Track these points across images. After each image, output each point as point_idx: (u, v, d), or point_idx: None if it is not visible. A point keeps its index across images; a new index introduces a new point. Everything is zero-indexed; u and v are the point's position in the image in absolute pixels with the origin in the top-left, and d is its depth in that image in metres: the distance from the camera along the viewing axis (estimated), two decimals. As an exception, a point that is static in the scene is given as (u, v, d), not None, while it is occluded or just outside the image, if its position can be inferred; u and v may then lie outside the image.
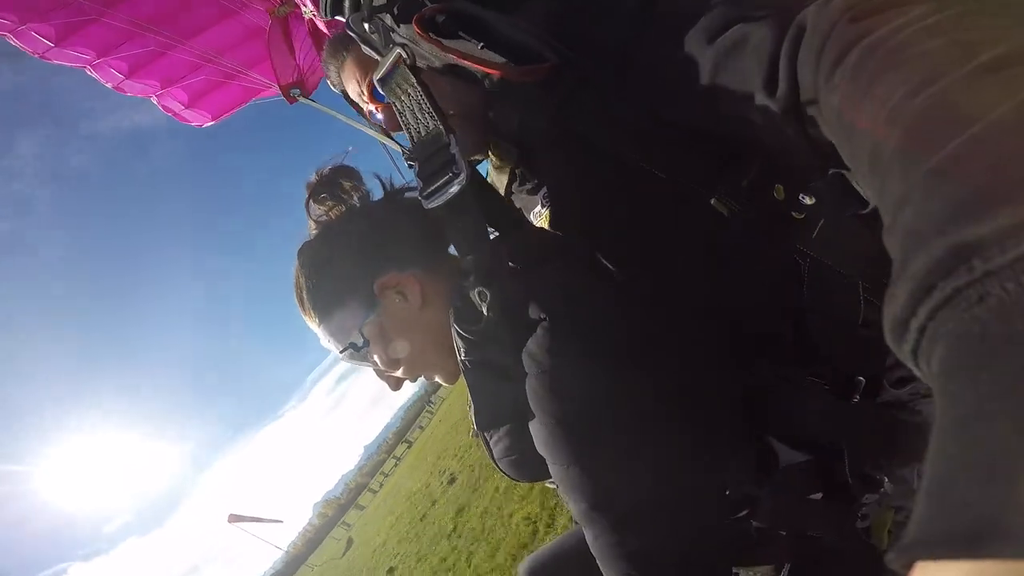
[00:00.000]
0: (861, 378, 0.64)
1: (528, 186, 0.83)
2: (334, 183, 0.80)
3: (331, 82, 1.11)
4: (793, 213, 0.61)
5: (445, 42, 0.68)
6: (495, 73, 0.66)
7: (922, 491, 0.20)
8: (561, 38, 0.65)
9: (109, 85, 2.64)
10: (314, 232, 0.81)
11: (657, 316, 0.64)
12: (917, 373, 0.25)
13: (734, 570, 0.67)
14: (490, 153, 0.87)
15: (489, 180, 0.89)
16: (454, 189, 0.64)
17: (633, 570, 0.58)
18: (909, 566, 0.19)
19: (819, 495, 0.66)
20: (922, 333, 0.23)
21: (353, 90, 1.05)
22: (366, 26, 0.77)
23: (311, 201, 0.80)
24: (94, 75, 2.58)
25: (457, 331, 0.67)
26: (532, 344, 0.60)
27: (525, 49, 0.65)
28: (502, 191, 0.86)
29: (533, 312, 0.61)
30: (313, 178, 0.81)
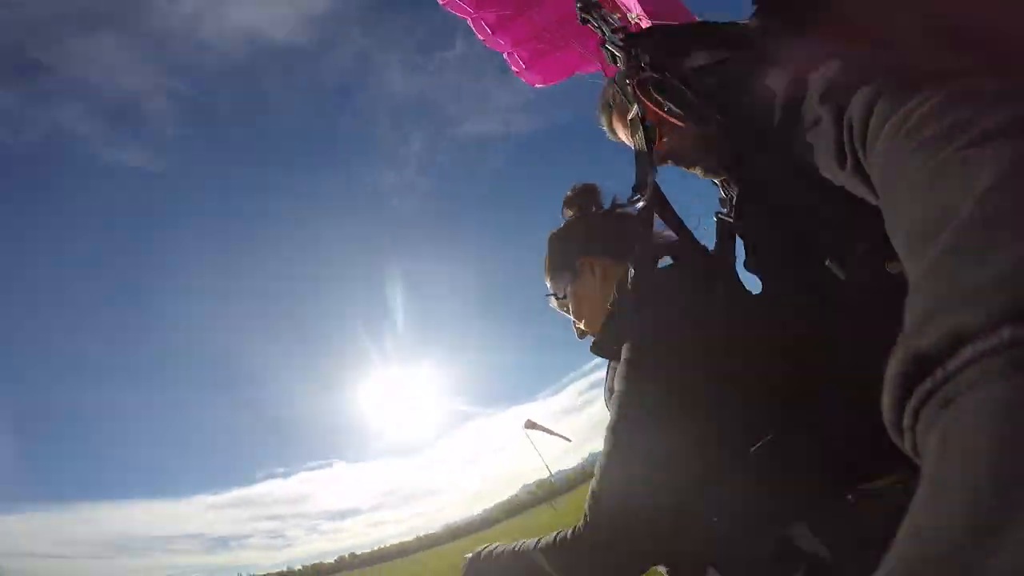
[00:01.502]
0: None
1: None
2: (577, 197, 1.18)
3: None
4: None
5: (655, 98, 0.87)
6: (676, 125, 0.84)
7: (899, 537, 0.21)
8: (720, 108, 0.77)
9: (480, 37, 3.33)
10: (562, 224, 1.20)
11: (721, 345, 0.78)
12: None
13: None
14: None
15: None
16: (639, 205, 0.91)
17: (601, 484, 0.81)
18: None
19: None
20: (913, 432, 0.25)
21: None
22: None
23: (564, 208, 1.20)
24: (473, 26, 3.27)
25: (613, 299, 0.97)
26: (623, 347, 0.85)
27: (699, 113, 0.79)
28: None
29: (631, 324, 0.85)
30: (568, 192, 1.19)
